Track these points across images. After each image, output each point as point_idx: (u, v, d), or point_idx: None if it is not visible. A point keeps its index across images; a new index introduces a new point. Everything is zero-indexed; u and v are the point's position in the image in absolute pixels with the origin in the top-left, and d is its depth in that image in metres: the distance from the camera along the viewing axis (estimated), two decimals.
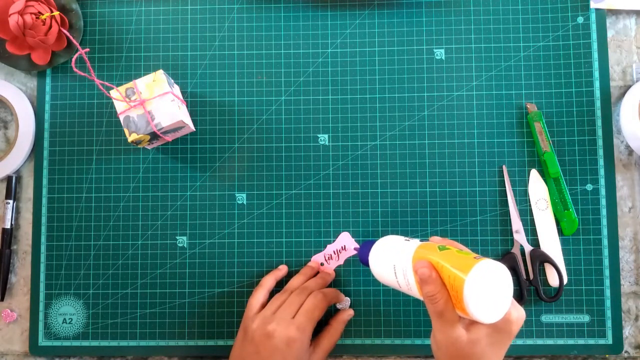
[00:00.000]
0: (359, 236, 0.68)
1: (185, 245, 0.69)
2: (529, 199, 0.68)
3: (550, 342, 0.66)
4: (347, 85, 0.70)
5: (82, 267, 0.69)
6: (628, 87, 0.68)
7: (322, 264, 0.68)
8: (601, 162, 0.68)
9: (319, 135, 0.70)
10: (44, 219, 0.70)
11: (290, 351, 0.58)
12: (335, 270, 0.68)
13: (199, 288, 0.69)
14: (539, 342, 0.66)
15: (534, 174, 0.68)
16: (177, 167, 0.70)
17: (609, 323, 0.66)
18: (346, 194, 0.69)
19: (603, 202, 0.67)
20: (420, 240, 0.57)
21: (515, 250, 0.67)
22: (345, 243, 0.68)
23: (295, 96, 0.70)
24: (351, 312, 0.67)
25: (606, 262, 0.67)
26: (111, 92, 0.64)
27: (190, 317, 0.68)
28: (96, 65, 0.72)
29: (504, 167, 0.68)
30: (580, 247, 0.67)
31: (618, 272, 0.67)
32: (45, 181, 0.70)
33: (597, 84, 0.68)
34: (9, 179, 0.70)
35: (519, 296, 0.66)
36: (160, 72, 0.64)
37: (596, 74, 0.68)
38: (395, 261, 0.56)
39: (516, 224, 0.67)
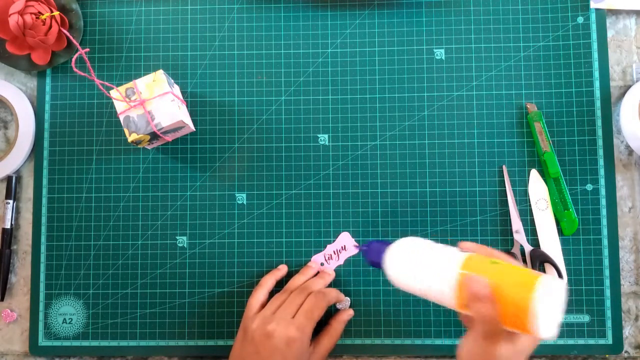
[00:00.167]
0: (359, 236, 0.68)
1: (185, 245, 0.69)
2: (529, 199, 0.68)
3: (550, 342, 0.66)
4: (347, 85, 0.70)
5: (82, 267, 0.69)
6: (628, 87, 0.68)
7: (322, 264, 0.68)
8: (601, 162, 0.68)
9: (319, 135, 0.70)
10: (44, 219, 0.70)
11: (290, 351, 0.58)
12: (335, 270, 0.68)
13: (199, 288, 0.69)
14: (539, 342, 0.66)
15: (534, 174, 0.68)
16: (177, 167, 0.70)
17: (609, 323, 0.66)
18: (346, 194, 0.69)
19: (603, 202, 0.67)
20: (457, 248, 0.54)
21: (515, 250, 0.67)
22: (345, 243, 0.68)
23: (295, 96, 0.70)
24: (351, 312, 0.67)
25: (606, 262, 0.67)
26: (111, 92, 0.64)
27: (190, 317, 0.68)
28: (96, 65, 0.72)
29: (504, 167, 0.68)
30: (580, 247, 0.67)
31: (618, 272, 0.67)
32: (45, 181, 0.70)
33: (597, 84, 0.68)
34: (9, 179, 0.70)
35: None
36: (160, 72, 0.64)
37: (596, 74, 0.68)
38: (430, 268, 0.52)
39: (516, 224, 0.67)
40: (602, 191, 0.67)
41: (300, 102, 0.70)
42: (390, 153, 0.69)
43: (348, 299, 0.68)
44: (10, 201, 0.70)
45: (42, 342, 0.69)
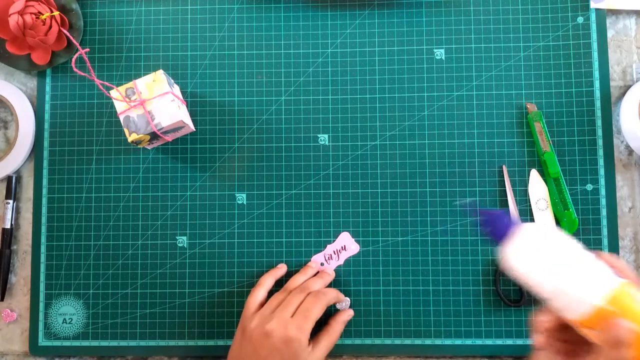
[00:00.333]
0: (359, 236, 0.68)
1: (185, 245, 0.69)
2: (529, 199, 0.68)
3: None
4: (347, 85, 0.70)
5: (82, 267, 0.69)
6: (628, 87, 0.68)
7: (322, 264, 0.68)
8: (601, 162, 0.68)
9: (319, 135, 0.70)
10: (44, 219, 0.70)
11: (288, 350, 0.58)
12: (335, 270, 0.68)
13: (199, 288, 0.69)
14: None
15: (534, 174, 0.68)
16: (177, 167, 0.70)
17: None
18: (346, 194, 0.69)
19: (603, 202, 0.67)
20: (597, 257, 0.48)
21: None
22: (345, 243, 0.68)
23: (295, 96, 0.70)
24: (351, 312, 0.67)
25: None
26: (111, 92, 0.64)
27: (190, 317, 0.68)
28: (96, 65, 0.72)
29: (504, 167, 0.68)
30: None
31: None
32: (45, 181, 0.70)
33: (597, 84, 0.68)
34: (9, 179, 0.70)
35: (519, 296, 0.67)
36: (160, 72, 0.64)
37: (596, 74, 0.68)
38: (575, 274, 0.47)
39: None
40: (602, 191, 0.67)
41: (300, 102, 0.70)
42: (390, 153, 0.69)
43: (348, 299, 0.68)
44: (10, 201, 0.70)
45: (42, 342, 0.69)
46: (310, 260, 0.68)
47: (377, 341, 0.67)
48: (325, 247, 0.69)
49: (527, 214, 0.68)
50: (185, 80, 0.71)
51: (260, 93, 0.71)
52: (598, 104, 0.68)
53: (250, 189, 0.69)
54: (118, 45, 0.72)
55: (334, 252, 0.68)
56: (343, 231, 0.69)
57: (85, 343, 0.69)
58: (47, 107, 0.71)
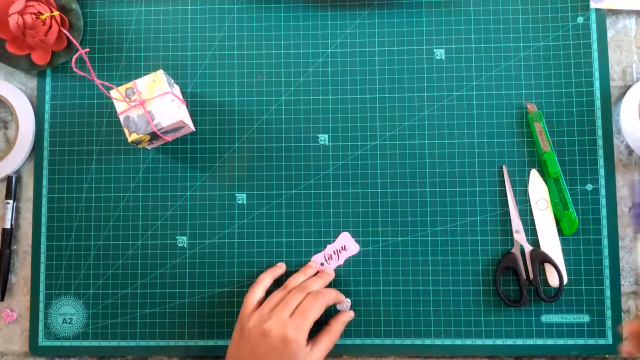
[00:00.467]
0: (359, 236, 0.68)
1: (185, 245, 0.69)
2: (529, 199, 0.68)
3: (550, 342, 0.66)
4: (347, 85, 0.70)
5: (82, 267, 0.69)
6: (628, 87, 0.68)
7: (322, 264, 0.68)
8: (601, 162, 0.68)
9: (319, 135, 0.70)
10: (44, 219, 0.70)
11: (286, 350, 0.58)
12: (335, 270, 0.68)
13: (199, 288, 0.69)
14: (539, 342, 0.66)
15: (534, 174, 0.68)
16: (177, 167, 0.70)
17: (609, 323, 0.66)
18: (346, 194, 0.69)
19: (603, 202, 0.67)
20: None
21: (515, 250, 0.67)
22: (345, 243, 0.68)
23: (295, 96, 0.70)
24: (352, 313, 0.67)
25: (606, 262, 0.67)
26: (111, 92, 0.64)
27: (190, 317, 0.68)
28: (96, 65, 0.72)
29: (504, 167, 0.68)
30: (580, 247, 0.67)
31: (618, 272, 0.67)
32: (45, 181, 0.70)
33: (597, 84, 0.68)
34: (9, 179, 0.70)
35: (519, 296, 0.67)
36: (160, 72, 0.64)
37: (596, 74, 0.68)
38: None
39: (516, 224, 0.67)
40: (602, 191, 0.67)
41: (300, 102, 0.70)
42: (390, 153, 0.69)
43: (349, 300, 0.67)
44: (10, 201, 0.70)
45: (42, 342, 0.69)
46: (310, 260, 0.68)
47: (377, 341, 0.67)
48: (325, 247, 0.69)
49: (527, 214, 0.68)
50: (185, 80, 0.71)
51: (260, 93, 0.71)
52: (598, 104, 0.68)
53: (250, 189, 0.69)
54: (118, 45, 0.72)
55: (334, 252, 0.68)
56: (343, 231, 0.69)
57: (85, 343, 0.69)
58: (47, 107, 0.71)
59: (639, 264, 0.67)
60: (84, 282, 0.69)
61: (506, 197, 0.68)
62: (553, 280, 0.66)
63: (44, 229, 0.70)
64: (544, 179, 0.68)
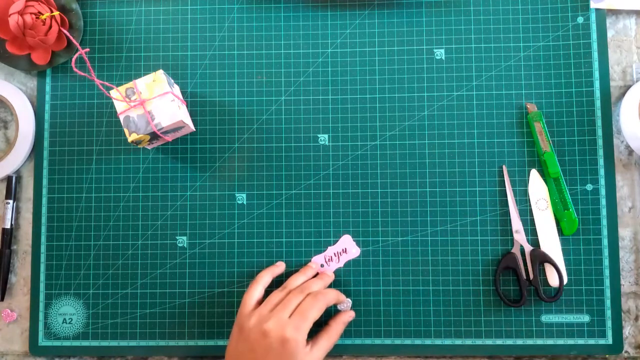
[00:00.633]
0: (359, 236, 0.68)
1: (185, 245, 0.69)
2: (529, 199, 0.68)
3: (550, 342, 0.66)
4: (347, 85, 0.70)
5: (82, 267, 0.69)
6: (628, 87, 0.68)
7: (322, 266, 0.68)
8: (601, 162, 0.68)
9: (319, 135, 0.70)
10: (44, 219, 0.70)
11: (285, 351, 0.58)
12: (334, 272, 0.68)
13: (199, 288, 0.69)
14: (539, 342, 0.66)
15: (534, 174, 0.68)
16: (177, 167, 0.70)
17: (609, 323, 0.66)
18: (346, 194, 0.69)
19: (603, 202, 0.67)
20: None
21: (515, 250, 0.67)
22: (347, 246, 0.68)
23: (295, 96, 0.70)
24: (352, 313, 0.67)
25: (606, 262, 0.67)
26: (111, 92, 0.64)
27: (190, 317, 0.68)
28: (96, 65, 0.72)
29: (504, 167, 0.68)
30: (580, 247, 0.67)
31: (618, 272, 0.67)
32: (45, 181, 0.70)
33: (597, 84, 0.68)
34: (9, 179, 0.70)
35: (519, 296, 0.67)
36: (160, 72, 0.64)
37: (596, 74, 0.68)
38: None
39: (516, 224, 0.67)
40: (602, 191, 0.67)
41: (300, 102, 0.70)
42: (390, 153, 0.69)
43: (349, 300, 0.67)
44: (10, 201, 0.70)
45: (42, 342, 0.69)
46: (310, 261, 0.68)
47: (377, 341, 0.67)
48: (325, 247, 0.69)
49: (527, 214, 0.68)
50: (185, 80, 0.71)
51: (260, 93, 0.71)
52: (598, 104, 0.68)
53: (250, 189, 0.69)
54: (118, 45, 0.72)
55: (335, 254, 0.68)
56: (343, 232, 0.69)
57: (85, 343, 0.69)
58: (47, 107, 0.71)
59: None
60: (84, 282, 0.69)
61: (506, 197, 0.68)
62: (553, 280, 0.66)
63: (44, 229, 0.70)
64: (544, 179, 0.68)
